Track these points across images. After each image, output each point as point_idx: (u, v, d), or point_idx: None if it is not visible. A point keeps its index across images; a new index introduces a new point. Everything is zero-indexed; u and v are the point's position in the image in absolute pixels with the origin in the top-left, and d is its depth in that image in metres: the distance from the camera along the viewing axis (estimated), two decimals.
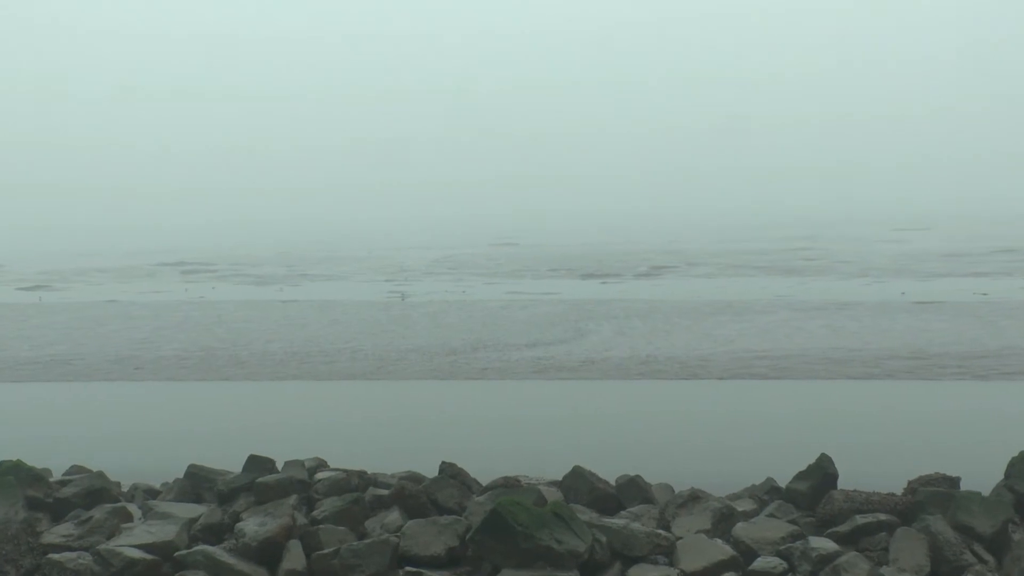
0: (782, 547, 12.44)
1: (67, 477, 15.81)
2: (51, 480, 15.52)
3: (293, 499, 13.93)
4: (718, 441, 19.43)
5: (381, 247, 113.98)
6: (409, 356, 32.50)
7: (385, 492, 14.21)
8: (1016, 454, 13.88)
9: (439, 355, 32.48)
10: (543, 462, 17.46)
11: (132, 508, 14.65)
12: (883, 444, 18.69)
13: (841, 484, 14.34)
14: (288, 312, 47.20)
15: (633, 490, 14.76)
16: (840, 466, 14.50)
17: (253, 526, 12.88)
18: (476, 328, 39.27)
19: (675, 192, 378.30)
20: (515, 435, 20.35)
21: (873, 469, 16.46)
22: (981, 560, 12.21)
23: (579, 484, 14.93)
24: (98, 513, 13.85)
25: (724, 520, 13.37)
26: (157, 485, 16.21)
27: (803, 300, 46.90)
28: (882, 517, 12.33)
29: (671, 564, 12.24)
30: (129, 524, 13.60)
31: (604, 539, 12.34)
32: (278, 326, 41.58)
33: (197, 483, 15.45)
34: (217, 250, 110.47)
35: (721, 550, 12.33)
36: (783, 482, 14.86)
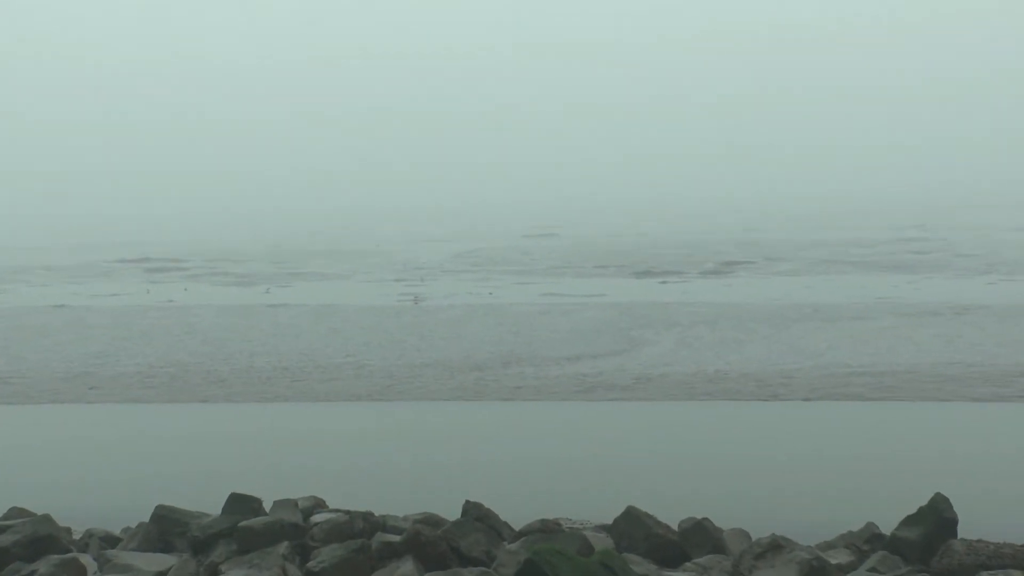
0: None
1: (5, 522, 15.83)
2: None
3: (284, 547, 13.99)
4: (805, 477, 19.44)
5: (390, 239, 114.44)
6: (425, 372, 32.68)
7: (397, 538, 14.27)
8: None
9: (461, 371, 32.66)
10: (589, 502, 17.56)
11: (86, 560, 14.70)
12: (1014, 483, 18.67)
13: (961, 532, 14.29)
14: (277, 319, 47.51)
15: (700, 536, 14.75)
16: (959, 510, 14.47)
17: None
18: (506, 338, 39.43)
19: (748, 174, 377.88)
20: (555, 469, 20.46)
21: (1002, 514, 16.48)
22: None
23: (634, 529, 14.94)
24: (44, 567, 13.89)
25: (814, 574, 13.29)
26: (117, 531, 16.30)
27: (911, 303, 46.92)
28: (1015, 574, 12.23)
29: None
30: None
31: None
32: (265, 336, 41.80)
33: (166, 528, 15.52)
34: (189, 244, 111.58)
35: None
36: (887, 528, 14.84)
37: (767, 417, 25.31)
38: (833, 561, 13.92)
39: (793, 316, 42.99)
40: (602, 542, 14.48)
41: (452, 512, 15.63)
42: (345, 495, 17.43)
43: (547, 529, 14.58)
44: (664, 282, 60.50)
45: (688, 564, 14.14)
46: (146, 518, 15.95)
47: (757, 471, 19.86)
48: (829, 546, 14.67)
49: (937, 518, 14.20)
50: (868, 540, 14.74)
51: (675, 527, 15.13)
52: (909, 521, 14.43)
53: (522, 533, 14.73)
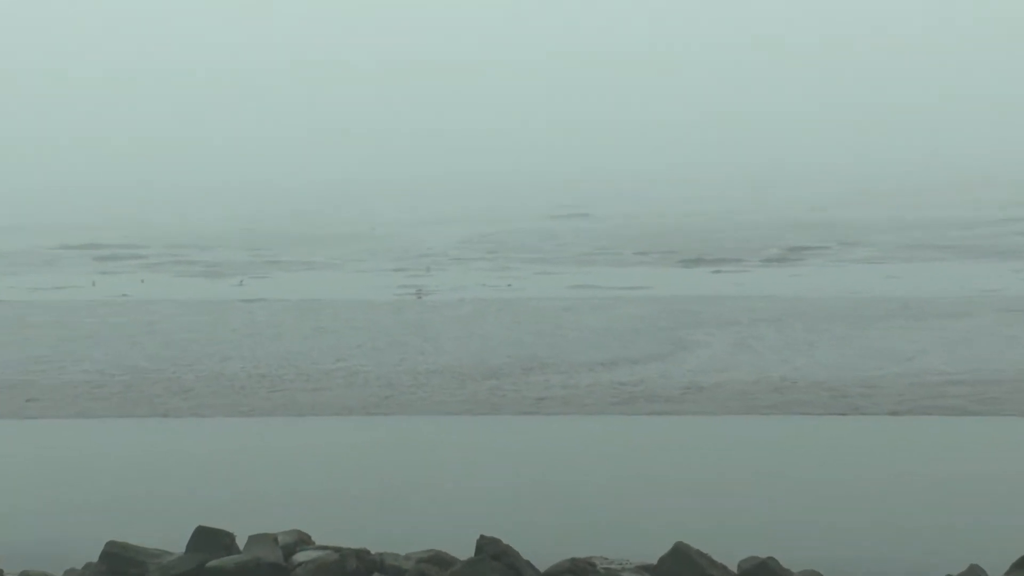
0: None
1: None
2: None
3: None
4: (891, 507, 19.35)
5: (388, 220, 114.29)
6: (431, 380, 32.64)
7: None
8: None
9: (474, 379, 32.63)
10: (629, 537, 17.57)
11: None
12: None
13: None
14: (253, 316, 47.47)
15: None
16: None
17: None
18: (528, 339, 39.39)
19: (813, 140, 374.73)
20: (587, 496, 20.44)
21: None
22: None
23: (683, 569, 14.89)
24: None
25: None
26: (58, 574, 16.21)
27: (1021, 296, 46.87)
28: None
29: None
30: None
31: None
32: (239, 337, 41.75)
33: (118, 569, 15.47)
34: (147, 227, 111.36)
35: None
36: (995, 572, 14.76)
37: (844, 434, 25.30)
38: None
39: (875, 313, 42.86)
40: None
41: (464, 549, 15.63)
42: (335, 528, 17.42)
43: (578, 570, 14.54)
44: (718, 271, 60.42)
45: None
46: (94, 557, 15.89)
47: (832, 500, 19.82)
48: None
49: None
50: None
51: (734, 568, 15.11)
52: (1021, 565, 14.37)
53: (549, 574, 14.71)
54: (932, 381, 30.24)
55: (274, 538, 15.32)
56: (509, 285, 56.07)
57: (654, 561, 15.43)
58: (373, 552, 15.60)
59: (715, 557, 15.14)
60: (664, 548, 15.31)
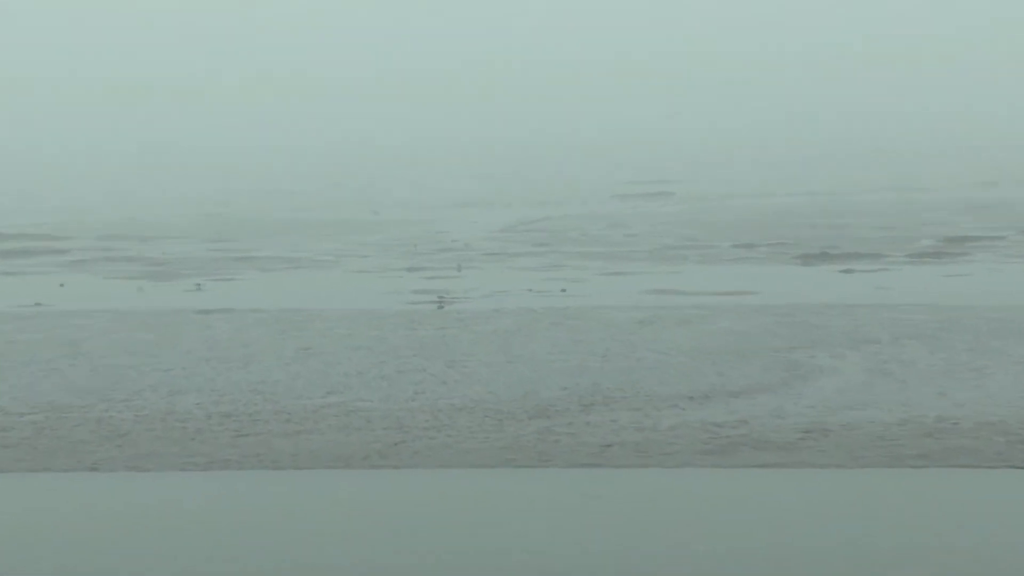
0: None
1: None
2: None
3: None
4: None
5: (399, 201, 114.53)
6: (456, 421, 31.82)
7: None
8: None
9: (516, 418, 31.80)
10: None
11: None
12: None
13: None
14: (214, 333, 46.75)
15: None
16: None
17: None
18: (589, 363, 38.61)
19: (977, 88, 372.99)
20: (671, 571, 20.25)
21: None
22: None
23: None
24: None
25: None
26: None
27: None
28: None
29: None
30: None
31: None
32: (194, 362, 41.02)
33: None
34: (69, 211, 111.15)
35: None
36: None
37: None
38: None
39: None
40: None
41: None
42: None
43: None
44: (849, 271, 59.32)
45: None
46: None
47: None
48: None
49: None
50: None
51: None
52: None
53: None
54: None
55: None
56: (564, 290, 55.39)
57: None
58: None
59: None
60: None
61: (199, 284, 59.72)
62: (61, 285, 60.87)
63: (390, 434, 30.71)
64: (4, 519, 25.19)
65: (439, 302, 51.77)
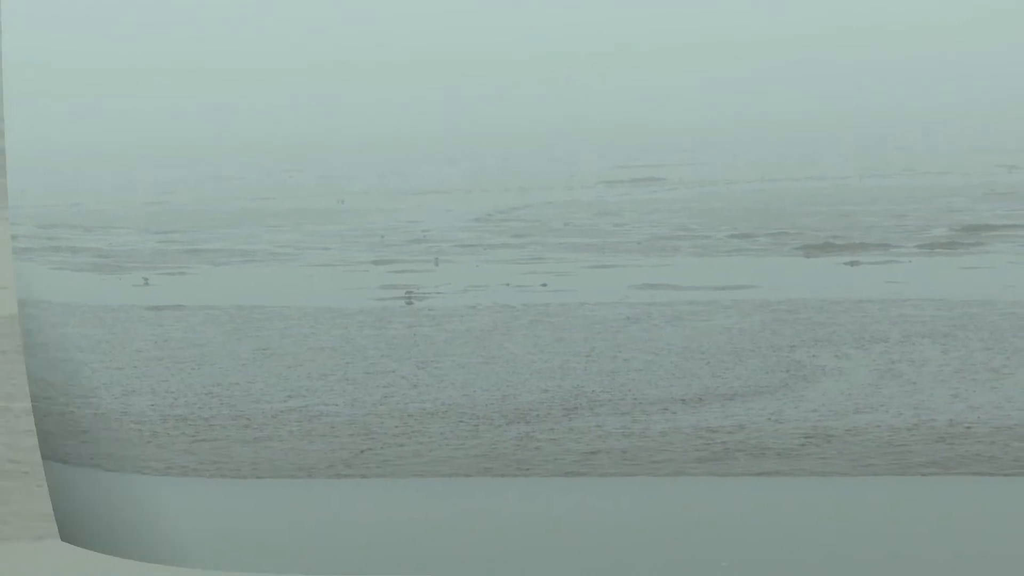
0: None
1: None
2: None
3: None
4: None
5: (365, 188, 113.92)
6: (428, 427, 31.24)
7: None
8: None
9: (493, 423, 31.19)
10: None
11: None
12: None
13: None
14: (164, 330, 46.37)
15: None
16: None
17: None
18: (573, 365, 38.07)
19: (1002, 65, 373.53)
20: None
21: None
22: None
23: None
24: None
25: None
26: None
27: None
28: None
29: None
30: None
31: None
32: (144, 362, 40.60)
33: None
34: (11, 198, 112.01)
35: None
36: None
37: None
38: None
39: None
40: None
41: None
42: None
43: None
44: (854, 263, 58.99)
45: None
46: None
47: None
48: None
49: None
50: None
51: None
52: None
53: None
54: None
55: None
56: (544, 285, 54.96)
57: None
58: None
59: None
60: None
61: (147, 279, 59.84)
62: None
63: (356, 441, 30.08)
64: None
65: (407, 298, 51.37)
